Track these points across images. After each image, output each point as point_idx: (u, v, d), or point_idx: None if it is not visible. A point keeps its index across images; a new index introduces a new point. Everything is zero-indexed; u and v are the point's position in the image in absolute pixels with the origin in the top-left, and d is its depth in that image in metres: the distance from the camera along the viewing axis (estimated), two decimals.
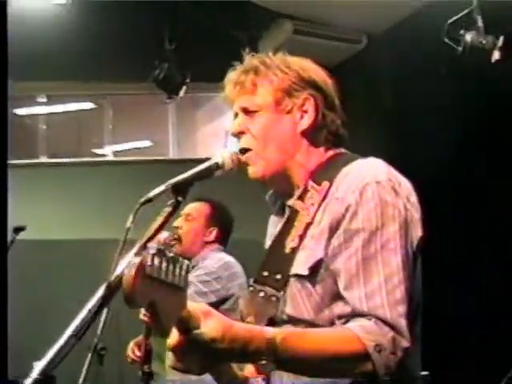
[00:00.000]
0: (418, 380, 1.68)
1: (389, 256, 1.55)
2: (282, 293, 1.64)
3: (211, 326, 1.37)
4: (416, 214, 1.64)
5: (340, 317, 1.57)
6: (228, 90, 1.80)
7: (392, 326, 1.50)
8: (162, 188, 1.58)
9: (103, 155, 7.26)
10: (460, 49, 4.24)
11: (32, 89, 6.88)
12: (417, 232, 1.63)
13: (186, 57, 5.51)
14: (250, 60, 1.79)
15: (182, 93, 5.69)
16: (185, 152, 7.21)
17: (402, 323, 1.51)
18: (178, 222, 3.60)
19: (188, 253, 3.50)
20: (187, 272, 1.33)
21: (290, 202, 1.74)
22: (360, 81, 5.68)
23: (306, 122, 1.74)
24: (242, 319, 1.69)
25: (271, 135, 1.74)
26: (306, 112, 1.74)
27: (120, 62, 5.97)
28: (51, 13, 5.42)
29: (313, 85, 1.75)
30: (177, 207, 1.58)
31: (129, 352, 3.76)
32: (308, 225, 1.66)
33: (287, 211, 1.76)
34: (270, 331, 1.45)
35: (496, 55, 4.21)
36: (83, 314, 1.42)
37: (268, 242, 1.84)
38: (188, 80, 5.64)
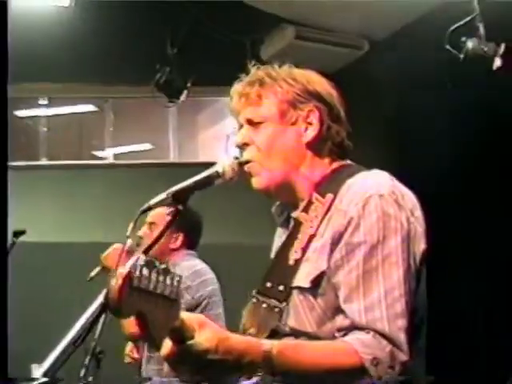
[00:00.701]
0: None
1: (390, 269, 1.55)
2: (284, 304, 1.64)
3: (205, 336, 1.37)
4: (420, 227, 1.63)
5: (339, 329, 1.57)
6: (233, 102, 1.81)
7: (390, 340, 1.50)
8: (162, 196, 1.58)
9: (104, 158, 7.25)
10: (461, 56, 4.24)
11: (33, 91, 6.88)
12: (420, 245, 1.62)
13: (188, 61, 5.51)
14: (255, 72, 1.79)
15: (183, 97, 5.70)
16: (185, 156, 7.21)
17: (401, 337, 1.51)
18: (142, 232, 3.49)
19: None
20: (179, 283, 1.33)
21: (295, 214, 1.74)
22: (361, 86, 5.69)
23: (311, 133, 1.74)
24: (244, 330, 1.69)
25: (275, 146, 1.74)
26: (310, 124, 1.74)
27: (122, 66, 5.97)
28: (53, 15, 5.42)
29: (318, 97, 1.75)
30: (177, 215, 1.58)
31: (127, 351, 3.75)
32: (311, 237, 1.66)
33: (292, 223, 1.76)
34: (267, 344, 1.45)
35: (497, 62, 4.21)
36: (82, 320, 1.43)
37: (273, 254, 1.84)
38: (189, 84, 5.64)
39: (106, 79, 6.50)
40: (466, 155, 4.86)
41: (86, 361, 3.19)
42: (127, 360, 3.80)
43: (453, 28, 4.28)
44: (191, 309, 3.34)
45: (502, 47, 4.23)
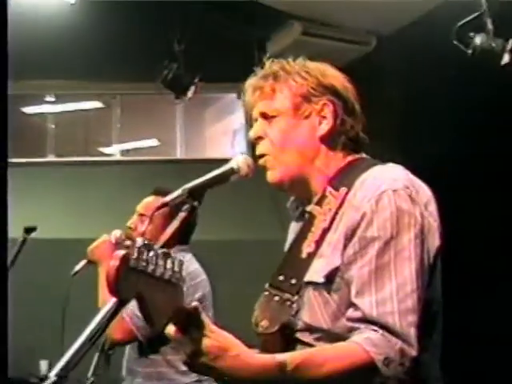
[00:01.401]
0: None
1: (402, 264, 1.55)
2: (296, 297, 1.64)
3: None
4: (434, 222, 1.63)
5: (348, 319, 1.57)
6: (247, 96, 1.80)
7: (400, 336, 1.50)
8: (177, 192, 1.58)
9: (111, 154, 7.26)
10: (469, 51, 4.23)
11: (40, 88, 6.89)
12: (434, 241, 1.62)
13: (195, 57, 5.51)
14: (269, 65, 1.79)
15: (190, 93, 5.69)
16: (192, 152, 7.21)
17: (411, 332, 1.51)
18: (131, 222, 3.40)
19: None
20: (181, 268, 1.33)
21: (309, 208, 1.74)
22: (368, 82, 5.67)
23: (325, 127, 1.74)
24: (256, 323, 1.69)
25: (289, 140, 1.74)
26: (324, 118, 1.74)
27: (129, 62, 5.97)
28: (60, 11, 5.42)
29: (332, 90, 1.74)
30: (192, 212, 1.58)
31: None
32: (325, 230, 1.66)
33: (306, 217, 1.76)
34: (281, 358, 1.46)
35: (506, 58, 4.21)
36: (99, 316, 1.42)
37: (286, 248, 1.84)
38: (196, 80, 5.64)
39: (113, 76, 6.51)
40: (474, 149, 4.84)
41: (96, 357, 3.19)
42: None
43: (461, 23, 4.28)
44: None
45: (510, 43, 4.23)
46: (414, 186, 1.64)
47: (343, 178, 1.70)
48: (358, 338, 1.51)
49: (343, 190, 1.67)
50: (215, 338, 1.41)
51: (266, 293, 1.72)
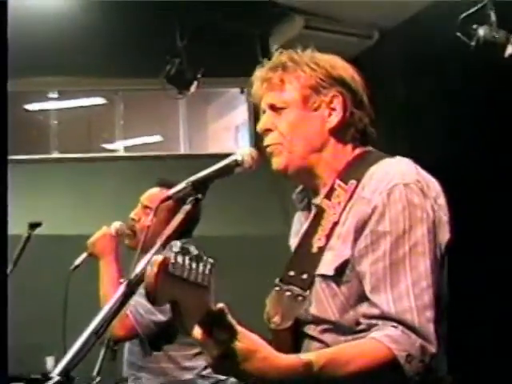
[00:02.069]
0: (443, 381, 1.66)
1: (417, 260, 1.54)
2: (308, 292, 1.63)
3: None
4: (444, 216, 1.63)
5: (365, 316, 1.56)
6: (255, 87, 1.78)
7: (419, 333, 1.49)
8: (181, 185, 1.58)
9: (114, 150, 7.25)
10: (473, 44, 4.22)
11: (43, 84, 6.87)
12: (444, 234, 1.61)
13: (198, 52, 5.50)
14: (278, 57, 1.77)
15: (193, 88, 5.68)
16: (196, 147, 7.21)
17: (430, 329, 1.50)
18: (134, 214, 3.34)
19: (144, 250, 3.25)
20: (211, 271, 1.32)
21: (317, 201, 1.73)
22: (370, 76, 5.66)
23: (334, 119, 1.72)
24: (269, 318, 1.68)
25: (298, 132, 1.72)
26: (333, 110, 1.72)
27: (131, 58, 5.97)
28: (63, 8, 5.43)
29: (341, 82, 1.73)
30: (196, 205, 1.58)
31: None
32: (335, 224, 1.64)
33: (313, 210, 1.75)
34: (307, 360, 1.43)
35: (509, 50, 4.19)
36: (104, 312, 1.42)
37: (292, 239, 1.84)
38: (199, 76, 5.63)
39: (116, 72, 6.49)
40: (477, 143, 4.83)
41: (101, 353, 3.18)
42: None
43: (464, 15, 4.27)
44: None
45: None
46: (425, 180, 1.63)
47: (352, 171, 1.69)
48: (377, 334, 1.50)
49: (352, 183, 1.65)
50: (243, 340, 1.37)
51: (277, 288, 1.71)
